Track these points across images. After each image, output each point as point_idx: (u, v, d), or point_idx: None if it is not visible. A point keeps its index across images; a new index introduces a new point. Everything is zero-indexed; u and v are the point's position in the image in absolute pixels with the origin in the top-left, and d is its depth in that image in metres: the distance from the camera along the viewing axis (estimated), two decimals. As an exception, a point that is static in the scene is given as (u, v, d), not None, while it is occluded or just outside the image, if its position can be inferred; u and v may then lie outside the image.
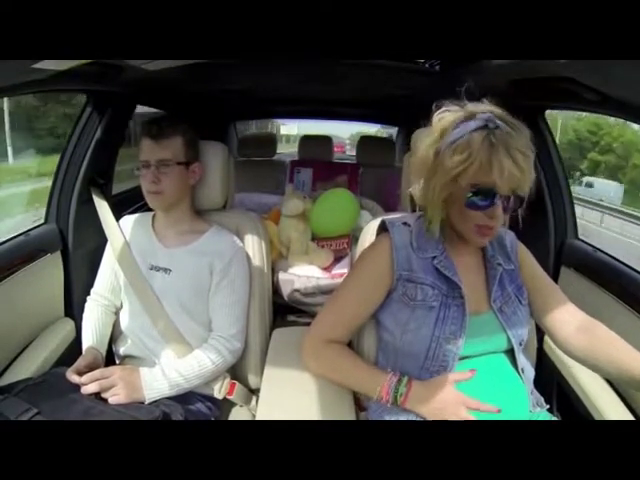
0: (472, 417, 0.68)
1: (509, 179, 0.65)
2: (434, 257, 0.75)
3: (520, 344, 0.77)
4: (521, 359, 0.77)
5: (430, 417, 0.70)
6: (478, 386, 0.71)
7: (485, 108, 0.68)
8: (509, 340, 0.75)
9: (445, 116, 0.70)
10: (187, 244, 1.00)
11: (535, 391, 0.78)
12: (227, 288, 0.99)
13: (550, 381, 1.09)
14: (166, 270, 0.98)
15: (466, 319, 0.72)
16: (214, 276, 0.98)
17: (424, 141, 0.73)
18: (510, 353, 0.77)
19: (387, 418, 0.76)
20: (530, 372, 0.78)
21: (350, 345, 0.86)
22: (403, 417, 0.73)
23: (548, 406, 0.78)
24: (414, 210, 0.81)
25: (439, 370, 0.73)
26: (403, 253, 0.75)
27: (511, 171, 0.64)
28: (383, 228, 0.81)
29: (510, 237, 0.84)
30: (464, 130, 0.66)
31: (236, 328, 0.99)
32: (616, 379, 0.70)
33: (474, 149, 0.64)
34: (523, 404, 0.74)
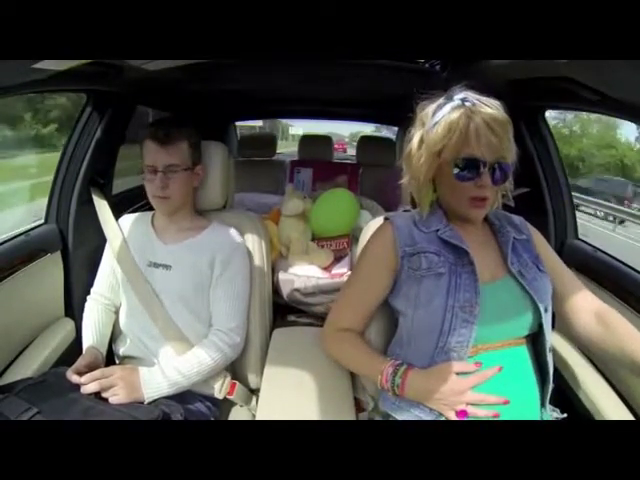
0: (472, 408, 0.68)
1: (488, 146, 0.69)
2: (437, 230, 0.75)
3: (546, 310, 0.73)
4: (549, 335, 0.73)
5: (433, 405, 0.70)
6: (493, 383, 0.69)
7: (462, 91, 0.73)
8: (534, 305, 0.72)
9: (426, 104, 0.75)
10: (187, 239, 1.00)
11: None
12: (228, 281, 0.99)
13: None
14: (166, 266, 0.98)
15: (478, 285, 0.70)
16: (215, 269, 0.98)
17: (412, 132, 0.77)
18: (532, 341, 0.75)
19: (398, 404, 0.75)
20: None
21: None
22: (414, 410, 0.73)
23: (565, 415, 0.76)
24: (414, 206, 0.82)
25: (456, 348, 0.70)
26: (405, 231, 0.77)
27: (488, 137, 0.68)
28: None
29: (519, 218, 0.84)
30: (444, 112, 0.71)
31: (236, 322, 0.98)
32: (629, 367, 0.69)
33: (453, 123, 0.69)
34: (532, 402, 0.72)
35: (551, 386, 0.74)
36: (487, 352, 0.71)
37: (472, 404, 0.68)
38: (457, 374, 0.69)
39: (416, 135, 0.75)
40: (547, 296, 0.74)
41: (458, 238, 0.74)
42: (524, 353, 0.74)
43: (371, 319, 0.83)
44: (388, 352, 0.81)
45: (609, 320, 0.73)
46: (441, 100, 0.73)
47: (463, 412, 0.68)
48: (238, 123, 3.55)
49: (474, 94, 0.71)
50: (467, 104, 0.70)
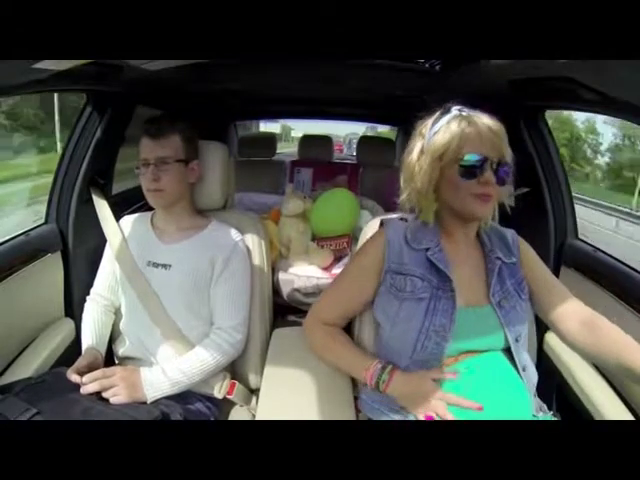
0: (451, 415, 0.70)
1: (491, 143, 0.72)
2: (427, 249, 0.77)
3: (517, 340, 0.77)
4: (521, 357, 0.76)
5: (408, 406, 0.74)
6: (477, 384, 0.72)
7: (457, 105, 0.76)
8: (506, 336, 0.76)
9: (425, 118, 0.78)
10: (187, 238, 1.01)
11: (537, 397, 0.78)
12: (229, 280, 0.99)
13: (550, 382, 1.09)
14: (165, 266, 0.98)
15: (455, 312, 0.73)
16: (216, 268, 0.98)
17: (411, 145, 0.79)
18: (510, 351, 0.77)
19: (377, 407, 0.79)
20: (533, 373, 0.78)
21: (352, 335, 0.90)
22: (391, 413, 0.76)
23: (551, 412, 0.78)
24: (412, 211, 0.83)
25: (428, 361, 0.74)
26: (396, 247, 0.79)
27: (488, 134, 0.71)
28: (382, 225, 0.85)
29: (511, 232, 0.86)
30: (443, 121, 0.74)
31: (237, 320, 0.99)
32: (618, 372, 0.71)
33: (453, 129, 0.72)
34: (524, 403, 0.74)
35: (533, 395, 0.76)
36: (471, 358, 0.74)
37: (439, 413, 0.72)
38: (434, 380, 0.73)
39: (416, 147, 0.77)
40: (521, 325, 0.77)
41: (444, 262, 0.75)
42: (502, 357, 0.76)
43: (354, 317, 0.89)
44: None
45: (594, 325, 0.75)
46: (438, 114, 0.76)
47: (429, 417, 0.71)
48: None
49: (469, 109, 0.75)
50: (464, 113, 0.73)
